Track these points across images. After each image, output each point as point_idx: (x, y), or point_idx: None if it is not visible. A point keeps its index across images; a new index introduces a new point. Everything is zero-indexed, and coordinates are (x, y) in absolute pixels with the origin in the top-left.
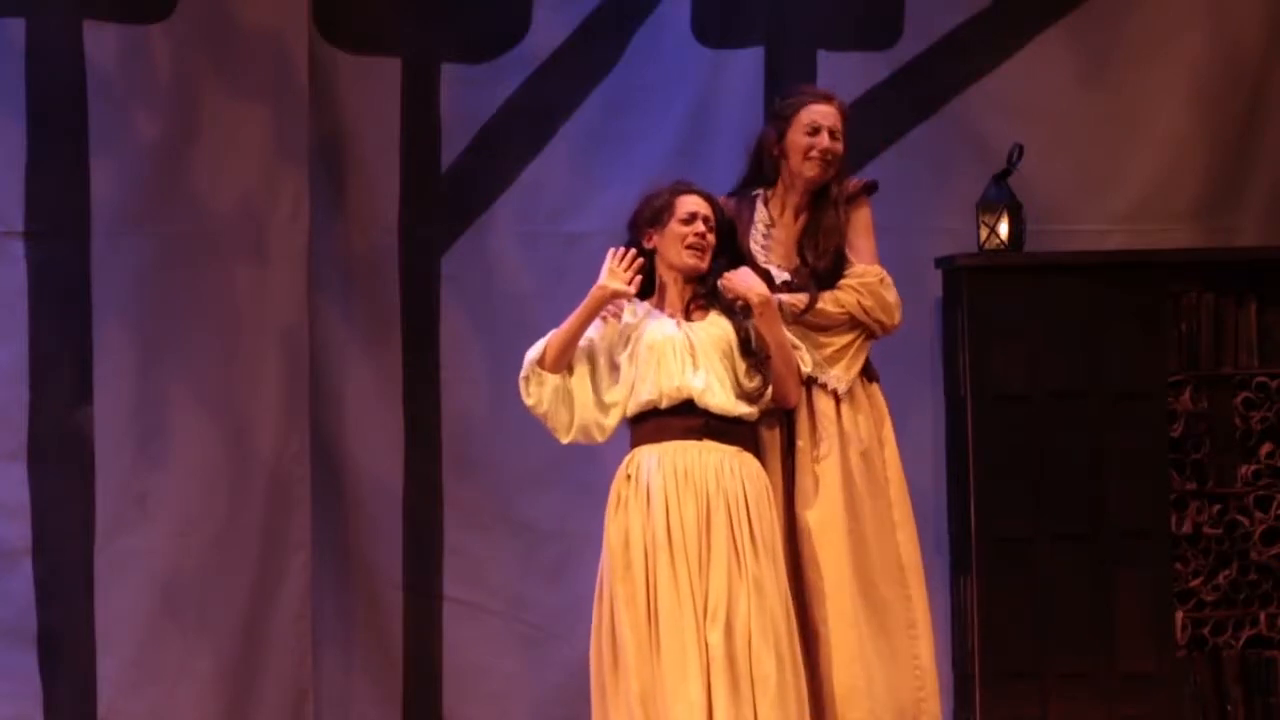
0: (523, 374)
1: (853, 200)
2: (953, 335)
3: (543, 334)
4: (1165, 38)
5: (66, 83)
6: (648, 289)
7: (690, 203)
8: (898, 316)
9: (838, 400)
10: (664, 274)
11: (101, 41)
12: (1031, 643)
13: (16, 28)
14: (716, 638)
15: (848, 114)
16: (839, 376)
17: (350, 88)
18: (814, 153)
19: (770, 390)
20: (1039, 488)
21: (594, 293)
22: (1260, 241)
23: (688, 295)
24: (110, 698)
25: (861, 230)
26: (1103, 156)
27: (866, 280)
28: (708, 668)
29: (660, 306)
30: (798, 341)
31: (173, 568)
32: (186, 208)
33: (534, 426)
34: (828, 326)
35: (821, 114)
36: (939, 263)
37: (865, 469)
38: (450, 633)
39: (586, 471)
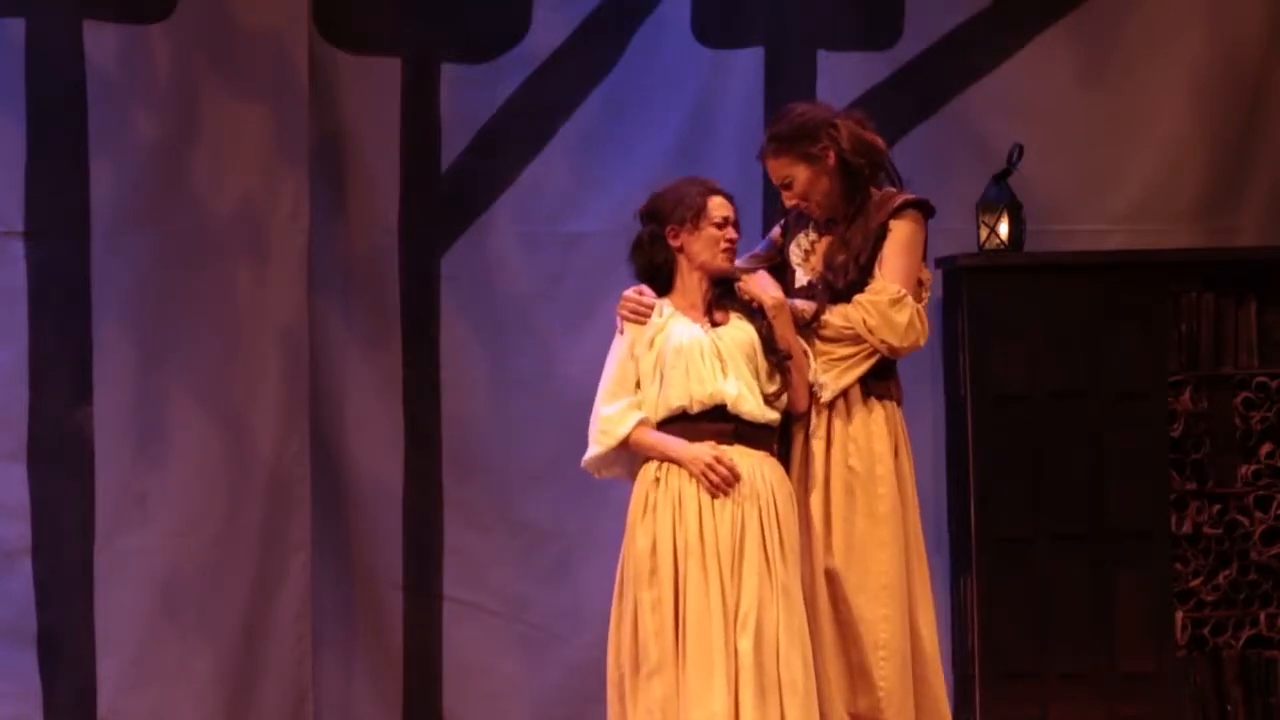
0: (599, 453)
1: (898, 214)
2: (953, 335)
3: (542, 335)
4: (1165, 38)
5: (66, 83)
6: (666, 286)
7: (721, 205)
8: (910, 338)
9: (830, 411)
10: (687, 272)
11: (101, 41)
12: (1031, 643)
13: (16, 28)
14: (747, 644)
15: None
16: (826, 385)
17: (350, 88)
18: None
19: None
20: (1039, 488)
21: (693, 458)
22: (1260, 241)
23: (710, 295)
24: (110, 698)
25: (898, 245)
26: (1103, 156)
27: (877, 299)
28: (735, 676)
29: (681, 305)
30: (808, 348)
31: (173, 568)
32: (186, 208)
33: (534, 426)
34: (835, 339)
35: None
36: (939, 263)
37: (852, 484)
38: (450, 633)
39: (587, 472)
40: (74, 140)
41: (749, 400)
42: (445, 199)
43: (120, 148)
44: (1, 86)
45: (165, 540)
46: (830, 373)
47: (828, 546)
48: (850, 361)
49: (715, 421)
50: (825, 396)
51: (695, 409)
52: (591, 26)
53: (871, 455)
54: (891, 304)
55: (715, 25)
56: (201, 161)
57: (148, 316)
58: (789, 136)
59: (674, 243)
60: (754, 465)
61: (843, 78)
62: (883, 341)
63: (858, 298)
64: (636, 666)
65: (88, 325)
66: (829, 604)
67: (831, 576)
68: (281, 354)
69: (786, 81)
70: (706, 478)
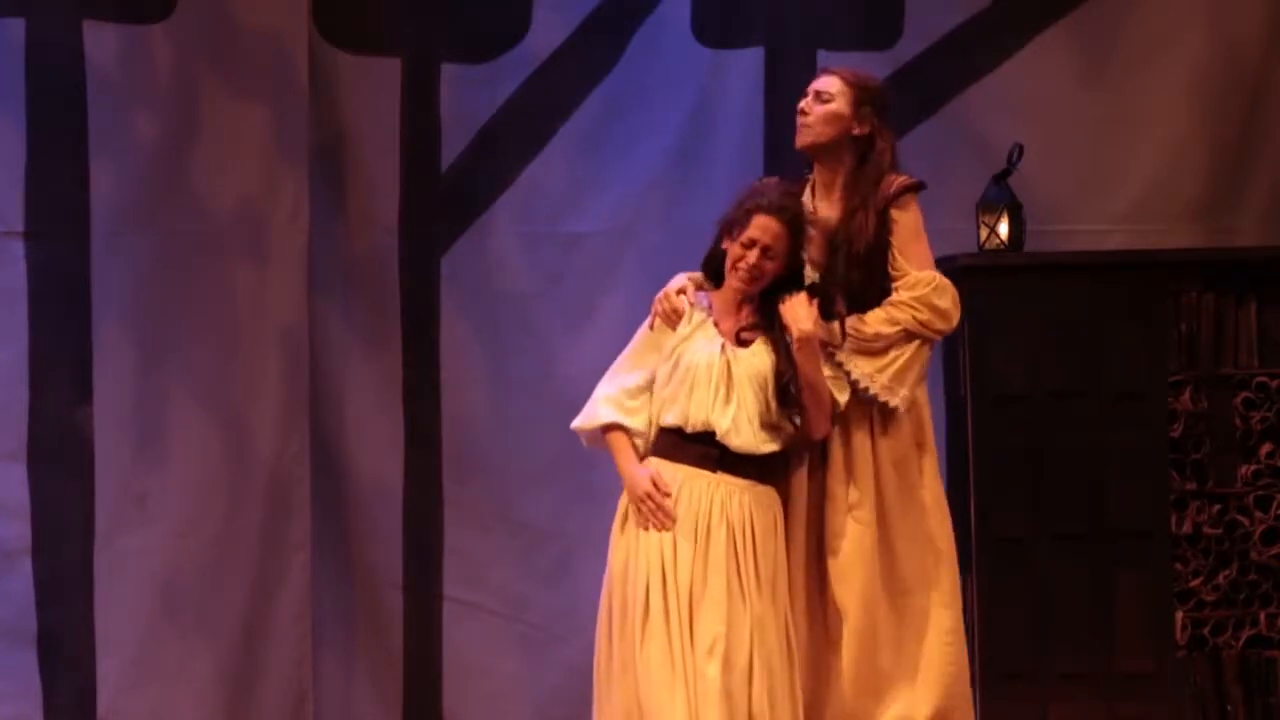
0: (583, 428)
1: (897, 201)
2: (953, 335)
3: (542, 335)
4: (1165, 38)
5: (66, 83)
6: (720, 281)
7: (758, 226)
8: (955, 319)
9: (872, 424)
10: (730, 275)
11: (101, 41)
12: (1031, 643)
13: (16, 28)
14: (714, 670)
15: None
16: (906, 397)
17: (350, 88)
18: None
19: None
20: (1039, 488)
21: (631, 486)
22: (1260, 241)
23: (747, 308)
24: (110, 698)
25: (910, 233)
26: (1103, 156)
27: (918, 292)
28: (693, 700)
29: (719, 307)
30: (837, 372)
31: (173, 568)
32: (186, 208)
33: (534, 426)
34: (886, 348)
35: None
36: (939, 263)
37: (898, 480)
38: (450, 633)
39: (586, 471)
40: (74, 140)
41: (743, 433)
42: (445, 199)
43: (120, 148)
44: (1, 86)
45: (165, 540)
46: (906, 384)
47: (878, 539)
48: (905, 362)
49: (704, 445)
50: (904, 406)
51: (688, 429)
52: (591, 26)
53: (916, 443)
54: (934, 292)
55: (715, 25)
56: (201, 161)
57: (148, 316)
58: (859, 79)
59: (723, 246)
60: (732, 493)
61: None
62: (937, 331)
63: (896, 298)
64: (610, 666)
65: (88, 325)
66: (887, 603)
67: (888, 573)
68: (281, 354)
69: (786, 81)
70: (638, 509)
